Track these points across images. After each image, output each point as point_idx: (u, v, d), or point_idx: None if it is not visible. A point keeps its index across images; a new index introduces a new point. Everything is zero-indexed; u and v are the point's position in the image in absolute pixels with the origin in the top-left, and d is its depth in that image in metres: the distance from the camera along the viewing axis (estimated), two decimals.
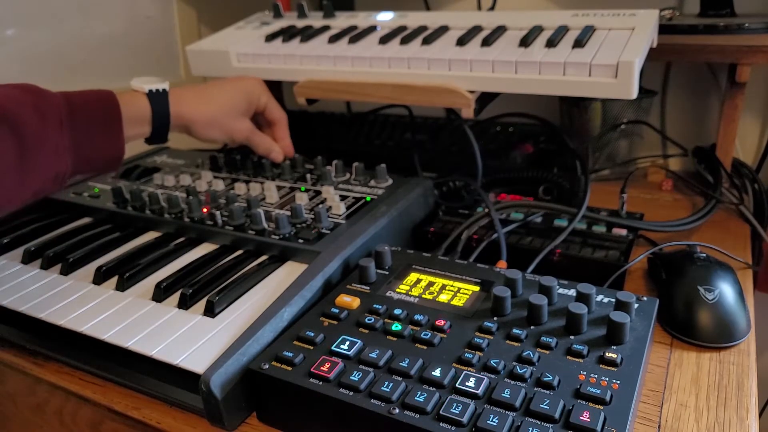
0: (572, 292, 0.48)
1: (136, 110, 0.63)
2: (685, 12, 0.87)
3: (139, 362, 0.46)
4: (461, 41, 0.70)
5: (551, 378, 0.39)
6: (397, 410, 0.37)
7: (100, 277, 0.57)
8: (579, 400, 0.37)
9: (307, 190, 0.70)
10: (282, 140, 0.77)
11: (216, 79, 0.74)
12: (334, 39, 0.78)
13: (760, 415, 0.83)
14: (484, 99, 0.68)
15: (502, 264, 0.57)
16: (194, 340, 0.46)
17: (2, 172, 0.51)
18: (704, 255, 0.56)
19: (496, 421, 0.36)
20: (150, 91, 0.64)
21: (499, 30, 0.72)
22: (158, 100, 0.64)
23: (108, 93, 0.61)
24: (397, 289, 0.51)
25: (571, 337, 0.43)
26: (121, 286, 0.55)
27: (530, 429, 0.35)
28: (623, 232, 0.61)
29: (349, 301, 0.49)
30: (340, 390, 0.40)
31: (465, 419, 0.36)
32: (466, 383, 0.39)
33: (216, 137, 0.71)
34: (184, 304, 0.51)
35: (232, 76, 0.75)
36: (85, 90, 0.60)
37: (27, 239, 0.66)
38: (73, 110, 0.57)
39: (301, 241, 0.58)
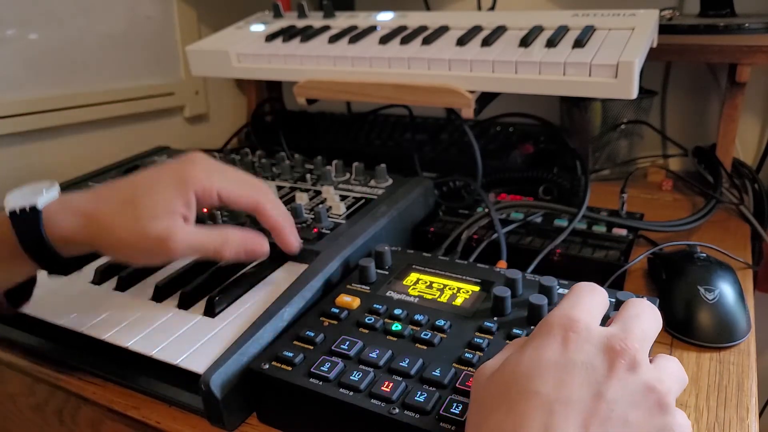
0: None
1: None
2: (685, 12, 0.87)
3: (139, 362, 0.46)
4: (461, 41, 0.70)
5: None
6: (397, 410, 0.37)
7: (100, 277, 0.57)
8: None
9: (307, 190, 0.70)
10: (274, 230, 0.51)
11: (137, 172, 0.48)
12: (334, 39, 0.78)
13: (760, 415, 0.83)
14: (484, 99, 0.68)
15: (502, 264, 0.57)
16: (194, 340, 0.46)
17: None
18: (704, 255, 0.56)
19: None
20: (12, 212, 0.43)
21: (499, 30, 0.72)
22: (26, 224, 0.43)
23: None
24: (397, 289, 0.51)
25: None
26: (121, 286, 0.55)
27: None
28: (623, 232, 0.61)
29: (349, 301, 0.49)
30: (340, 390, 0.39)
31: (465, 419, 0.36)
32: (467, 383, 0.39)
33: (141, 263, 0.47)
34: (184, 304, 0.51)
35: (159, 165, 0.48)
36: None
37: None
38: None
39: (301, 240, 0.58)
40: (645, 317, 0.33)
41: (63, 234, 0.44)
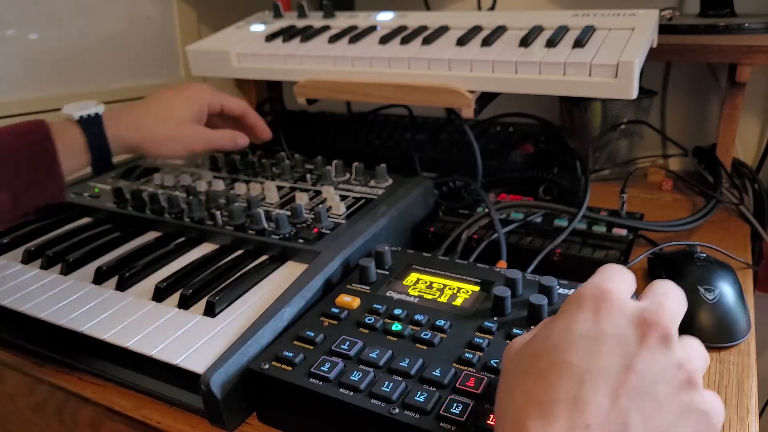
0: (572, 292, 0.48)
1: (68, 140, 0.58)
2: (685, 12, 0.87)
3: (139, 362, 0.46)
4: (461, 41, 0.70)
5: None
6: (397, 410, 0.37)
7: (100, 277, 0.57)
8: None
9: (307, 190, 0.70)
10: (255, 126, 0.74)
11: (159, 91, 0.68)
12: (334, 39, 0.78)
13: (760, 415, 0.83)
14: (484, 99, 0.68)
15: (502, 264, 0.57)
16: (194, 340, 0.46)
17: None
18: (704, 255, 0.56)
19: None
20: (81, 117, 0.59)
21: (499, 30, 0.72)
22: (92, 125, 0.60)
23: (39, 124, 0.57)
24: (397, 289, 0.51)
25: None
26: (121, 286, 0.55)
27: None
28: (623, 232, 0.61)
29: (349, 301, 0.49)
30: (340, 390, 0.39)
31: (465, 419, 0.36)
32: (467, 383, 0.39)
33: (169, 153, 0.65)
34: (184, 304, 0.51)
35: (175, 86, 0.69)
36: (16, 123, 0.57)
37: (27, 239, 0.66)
38: (1, 146, 0.54)
39: (301, 241, 0.58)
40: (673, 296, 0.33)
41: (117, 135, 0.61)
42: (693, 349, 0.32)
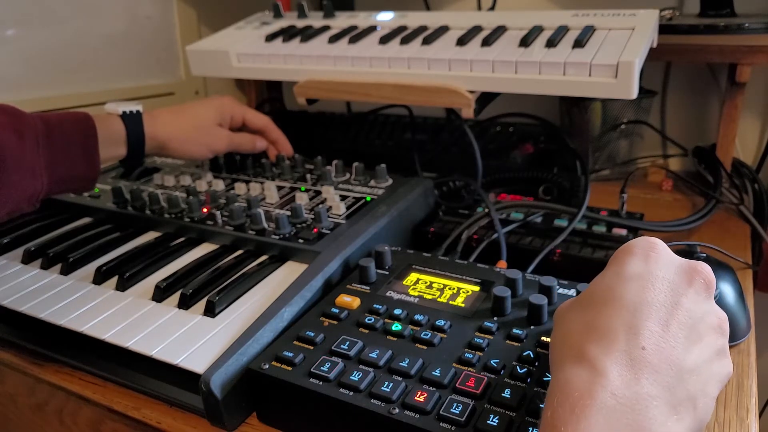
0: (572, 292, 0.48)
1: (111, 132, 0.64)
2: (685, 12, 0.87)
3: (139, 362, 0.46)
4: (461, 41, 0.70)
5: None
6: (397, 410, 0.37)
7: (100, 277, 0.57)
8: None
9: (307, 190, 0.70)
10: (277, 142, 0.80)
11: (190, 101, 0.76)
12: (334, 39, 0.78)
13: (760, 415, 0.83)
14: (484, 99, 0.68)
15: (502, 264, 0.57)
16: (194, 340, 0.46)
17: None
18: (704, 255, 0.56)
19: (497, 421, 0.36)
20: (124, 112, 0.65)
21: (499, 30, 0.72)
22: (132, 121, 0.66)
23: (84, 115, 0.61)
24: (397, 289, 0.51)
25: None
26: (121, 286, 0.55)
27: (531, 429, 0.35)
28: (623, 232, 0.61)
29: (349, 301, 0.49)
30: (340, 390, 0.39)
31: (465, 419, 0.36)
32: (467, 383, 0.39)
33: (195, 152, 0.72)
34: (184, 304, 0.51)
35: (203, 98, 0.77)
36: (62, 112, 0.61)
37: (27, 239, 0.66)
38: (50, 132, 0.57)
39: (301, 241, 0.58)
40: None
41: (151, 133, 0.67)
42: (719, 308, 0.35)
